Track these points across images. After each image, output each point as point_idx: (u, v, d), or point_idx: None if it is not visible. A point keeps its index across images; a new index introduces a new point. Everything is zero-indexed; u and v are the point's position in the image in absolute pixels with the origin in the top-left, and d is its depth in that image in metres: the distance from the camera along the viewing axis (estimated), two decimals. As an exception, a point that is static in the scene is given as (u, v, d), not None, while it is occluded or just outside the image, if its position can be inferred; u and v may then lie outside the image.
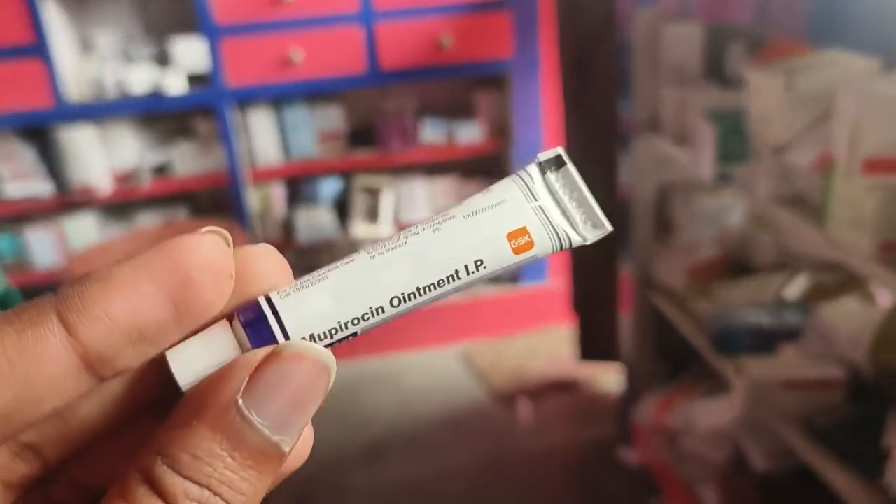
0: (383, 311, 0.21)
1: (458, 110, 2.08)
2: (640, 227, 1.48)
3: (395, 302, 0.21)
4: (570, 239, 0.23)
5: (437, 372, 2.01)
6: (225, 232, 0.20)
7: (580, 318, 1.78)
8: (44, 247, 1.91)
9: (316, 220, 2.03)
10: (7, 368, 0.17)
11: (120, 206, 1.99)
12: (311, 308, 0.20)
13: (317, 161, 2.01)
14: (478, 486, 1.62)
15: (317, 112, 2.00)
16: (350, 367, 2.04)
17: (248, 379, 0.18)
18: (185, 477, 0.17)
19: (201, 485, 0.17)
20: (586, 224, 0.23)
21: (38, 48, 1.71)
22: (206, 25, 1.76)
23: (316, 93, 1.97)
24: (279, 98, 1.95)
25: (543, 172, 0.23)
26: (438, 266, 0.22)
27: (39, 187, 1.87)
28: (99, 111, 1.83)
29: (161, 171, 1.94)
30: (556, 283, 2.10)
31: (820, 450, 1.01)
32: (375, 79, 1.88)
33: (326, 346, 0.21)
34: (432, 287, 0.22)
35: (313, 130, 2.00)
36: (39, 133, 1.87)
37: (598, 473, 1.62)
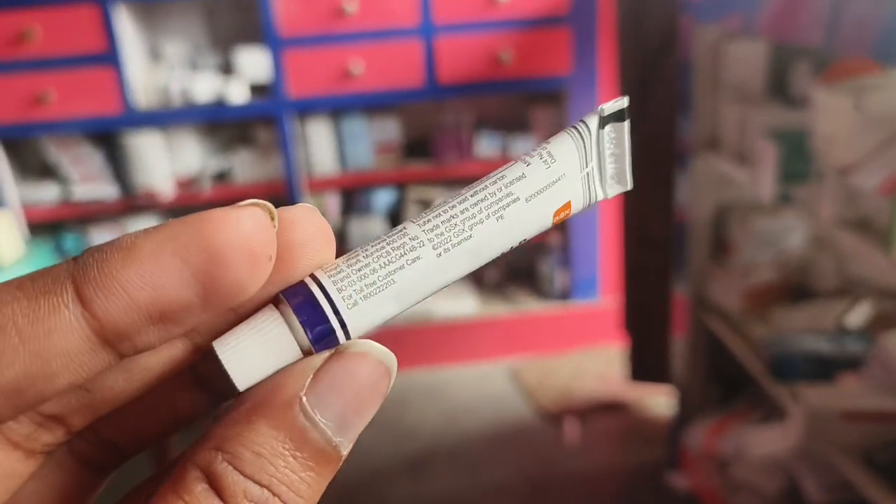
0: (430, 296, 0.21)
1: (514, 125, 2.08)
2: (696, 248, 1.45)
3: (443, 288, 0.21)
4: (597, 198, 0.22)
5: (484, 387, 2.00)
6: (269, 206, 0.18)
7: (632, 338, 1.75)
8: (107, 248, 1.97)
9: (369, 231, 2.05)
10: (16, 340, 0.16)
11: (181, 210, 2.04)
12: (375, 314, 0.19)
13: (372, 172, 2.03)
14: (521, 503, 1.60)
15: (374, 123, 2.02)
16: (397, 379, 2.04)
17: (312, 376, 0.17)
18: (246, 476, 0.17)
19: (262, 484, 0.17)
20: (612, 180, 0.23)
21: (109, 56, 1.78)
22: (270, 37, 1.81)
23: (374, 105, 1.99)
24: (338, 109, 1.98)
25: (602, 126, 0.22)
26: (492, 254, 0.21)
27: (106, 190, 1.93)
28: (164, 118, 1.89)
29: (221, 177, 1.99)
30: (608, 300, 2.08)
31: (879, 485, 0.97)
32: (433, 92, 1.89)
33: None
34: (476, 268, 0.21)
35: (370, 142, 2.02)
36: (107, 138, 1.94)
37: (644, 498, 1.59)
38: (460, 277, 0.21)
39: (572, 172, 0.21)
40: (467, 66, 1.89)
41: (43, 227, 1.98)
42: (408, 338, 2.07)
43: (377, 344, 0.18)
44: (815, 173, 1.07)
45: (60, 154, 1.92)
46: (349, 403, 0.18)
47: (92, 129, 1.90)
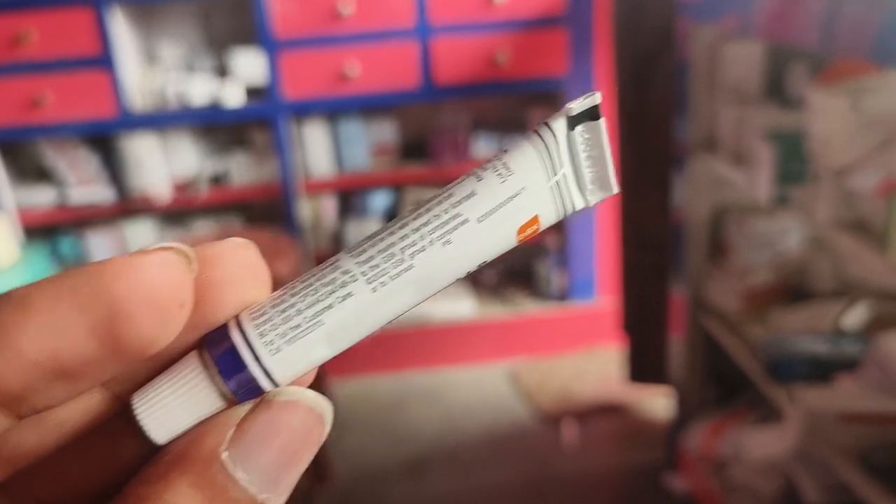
0: (376, 333, 0.19)
1: (511, 126, 2.07)
2: (693, 249, 1.45)
3: (389, 323, 0.19)
4: (574, 206, 0.20)
5: (483, 389, 2.00)
6: (184, 248, 0.17)
7: (630, 339, 1.75)
8: (104, 251, 1.97)
9: (366, 232, 2.05)
10: None
11: (178, 213, 2.04)
12: (304, 360, 0.17)
13: (369, 174, 2.03)
14: (520, 506, 1.60)
15: (371, 125, 2.02)
16: (395, 382, 2.05)
17: (234, 429, 0.16)
18: None
19: None
20: (593, 186, 0.20)
21: (105, 59, 1.77)
22: (265, 39, 1.80)
23: (371, 107, 1.99)
24: (334, 111, 1.98)
25: (571, 128, 0.20)
26: (443, 282, 0.19)
27: (102, 193, 1.93)
28: (160, 121, 1.88)
29: (218, 180, 1.98)
30: (605, 302, 2.07)
31: (877, 486, 0.97)
32: (430, 94, 1.89)
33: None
34: (429, 298, 0.19)
35: (367, 144, 2.02)
36: (103, 141, 1.93)
37: (643, 500, 1.59)
38: (410, 309, 0.19)
39: (536, 184, 0.19)
40: (464, 68, 1.88)
41: (39, 231, 1.97)
42: (406, 340, 2.07)
43: (308, 391, 0.17)
44: (811, 175, 1.07)
45: (56, 157, 1.91)
46: (277, 457, 0.16)
47: (88, 133, 1.90)
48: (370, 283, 0.18)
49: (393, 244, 0.18)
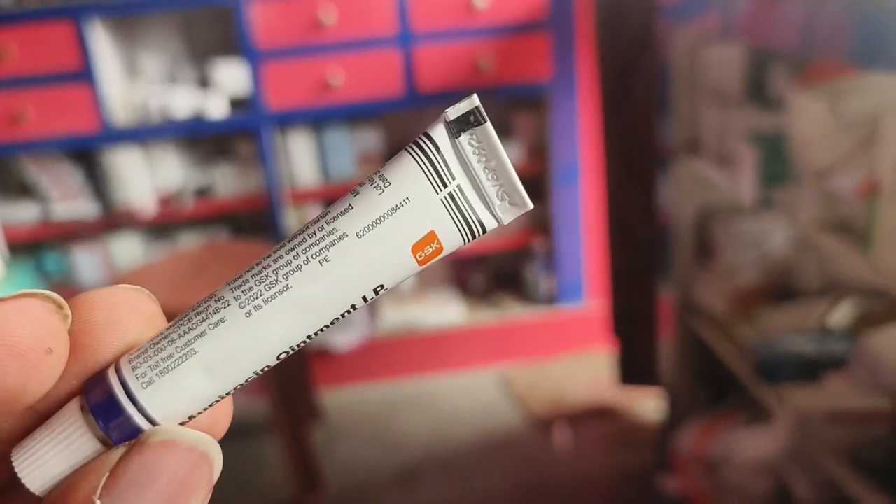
0: (269, 368, 0.17)
1: (496, 131, 2.07)
2: (680, 251, 1.46)
3: (283, 356, 0.17)
4: (483, 226, 0.18)
5: (473, 395, 2.00)
6: (51, 294, 0.16)
7: (620, 341, 1.75)
8: (90, 266, 1.96)
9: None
10: None
11: (163, 226, 2.03)
12: (181, 393, 0.17)
13: (355, 182, 2.03)
14: (513, 511, 1.60)
15: (355, 134, 2.02)
16: (385, 390, 2.04)
17: (107, 476, 0.15)
18: None
19: None
20: (503, 202, 0.19)
21: (86, 73, 1.76)
22: (247, 50, 1.80)
23: (355, 115, 1.99)
24: (318, 120, 1.97)
25: (455, 135, 0.19)
26: (330, 307, 0.17)
27: (86, 208, 1.92)
28: (143, 134, 1.88)
29: (203, 192, 1.97)
30: (594, 305, 2.08)
31: (867, 483, 0.97)
32: (413, 101, 1.89)
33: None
34: (324, 329, 0.18)
35: (352, 152, 2.02)
36: (86, 155, 1.92)
37: (635, 502, 1.59)
38: (301, 340, 0.17)
39: (422, 196, 0.18)
40: (447, 74, 1.88)
41: (23, 247, 1.96)
42: (395, 348, 2.07)
43: (187, 430, 0.16)
44: (794, 176, 1.07)
45: (39, 173, 1.90)
46: (155, 502, 0.15)
47: (70, 147, 1.88)
48: (243, 307, 0.17)
49: (267, 266, 0.17)
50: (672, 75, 1.37)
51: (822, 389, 1.11)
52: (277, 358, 0.17)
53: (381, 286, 0.18)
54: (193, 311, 0.17)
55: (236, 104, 1.89)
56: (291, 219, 2.02)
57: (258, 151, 1.91)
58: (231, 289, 0.17)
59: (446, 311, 2.10)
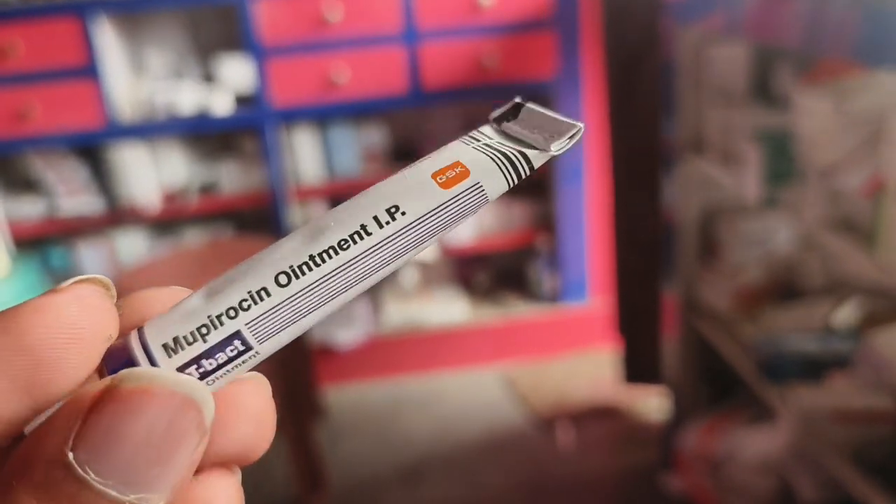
0: (268, 295, 0.16)
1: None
2: (684, 250, 1.46)
3: (283, 279, 0.16)
4: (525, 157, 0.18)
5: (477, 393, 2.00)
6: (100, 279, 0.16)
7: (624, 340, 1.75)
8: (95, 262, 1.96)
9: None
10: None
11: (168, 222, 2.03)
12: (176, 311, 0.16)
13: (359, 180, 2.03)
14: (516, 509, 1.60)
15: (360, 131, 2.02)
16: (389, 388, 2.04)
17: (79, 424, 0.13)
18: None
19: None
20: (550, 139, 0.19)
21: (91, 70, 1.77)
22: (252, 47, 1.80)
23: (359, 112, 1.99)
24: (323, 117, 1.97)
25: (499, 125, 0.19)
26: (338, 225, 0.17)
27: (91, 204, 1.92)
28: (148, 131, 1.88)
29: (207, 188, 1.98)
30: (598, 303, 2.08)
31: (870, 483, 0.97)
32: (418, 99, 1.89)
33: (215, 373, 0.16)
34: (331, 252, 0.16)
35: (356, 149, 2.02)
36: (92, 151, 1.92)
37: (638, 500, 1.59)
38: (313, 262, 0.17)
39: (454, 148, 0.18)
40: (452, 72, 1.88)
41: (29, 242, 1.96)
42: (399, 346, 2.07)
43: (164, 372, 0.15)
44: (799, 174, 1.07)
45: (45, 169, 1.90)
46: (136, 454, 0.14)
47: (76, 143, 1.89)
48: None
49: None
50: (677, 74, 1.37)
51: (826, 388, 1.11)
52: (277, 281, 0.16)
53: (395, 206, 0.17)
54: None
55: (241, 101, 1.89)
56: (296, 216, 2.02)
57: (263, 148, 1.91)
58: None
59: (450, 310, 2.10)
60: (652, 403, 1.80)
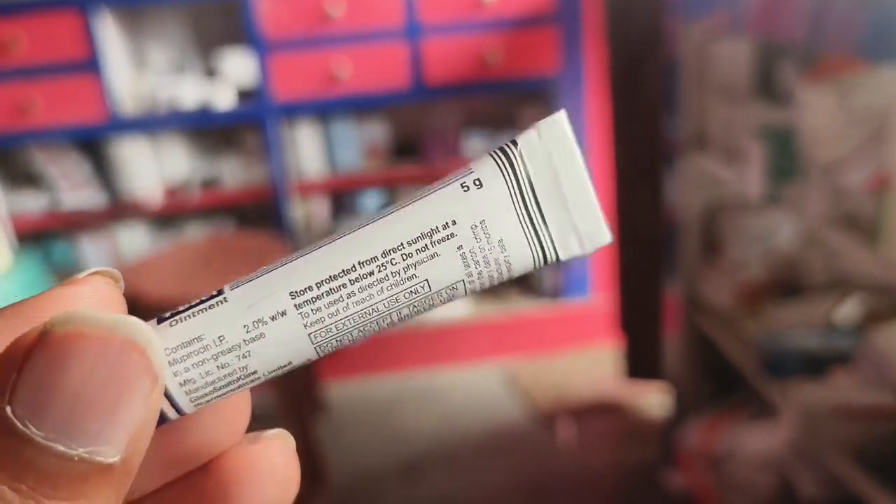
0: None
1: (502, 124, 2.07)
2: (686, 246, 1.45)
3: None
4: (557, 253, 0.18)
5: (478, 389, 2.00)
6: (110, 271, 0.16)
7: (626, 336, 1.75)
8: (97, 256, 1.96)
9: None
10: None
11: (170, 217, 2.03)
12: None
13: (361, 174, 2.03)
14: (516, 505, 1.60)
15: (362, 126, 2.02)
16: (390, 382, 2.04)
17: (14, 377, 0.12)
18: None
19: None
20: (580, 238, 0.19)
21: (93, 64, 1.76)
22: (255, 41, 1.80)
23: (361, 107, 1.99)
24: (325, 112, 1.97)
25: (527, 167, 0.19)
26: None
27: (93, 198, 1.92)
28: (150, 125, 1.88)
29: (209, 183, 1.98)
30: (600, 299, 2.08)
31: (872, 480, 0.97)
32: (420, 94, 1.89)
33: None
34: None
35: (358, 144, 2.02)
36: (94, 145, 1.92)
37: (640, 497, 1.59)
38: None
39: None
40: (454, 67, 1.88)
41: (30, 236, 1.97)
42: (400, 341, 2.07)
43: (98, 313, 0.13)
44: (802, 171, 1.07)
45: (46, 163, 1.90)
46: (77, 404, 0.13)
47: (78, 138, 1.89)
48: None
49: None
50: (680, 71, 1.36)
51: (827, 385, 1.11)
52: (291, 298, 0.16)
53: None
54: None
55: (243, 95, 1.89)
56: (297, 210, 2.02)
57: (264, 143, 1.91)
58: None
59: (452, 305, 2.10)
60: (653, 400, 1.80)
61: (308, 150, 1.99)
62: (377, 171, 2.04)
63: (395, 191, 2.09)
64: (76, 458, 0.12)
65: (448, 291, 0.17)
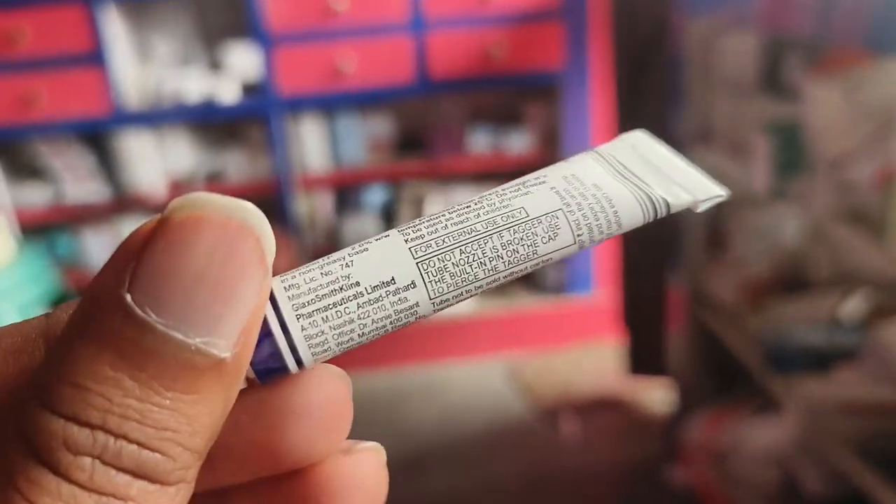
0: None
1: (506, 119, 2.07)
2: (691, 242, 1.45)
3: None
4: (668, 206, 0.19)
5: (481, 384, 2.00)
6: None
7: (629, 332, 1.75)
8: (100, 249, 1.97)
9: (362, 228, 2.05)
10: None
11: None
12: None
13: (365, 169, 2.03)
14: (519, 501, 1.60)
15: (366, 120, 2.01)
16: (393, 377, 2.05)
17: (134, 264, 0.12)
18: (66, 418, 0.12)
19: (92, 425, 0.12)
20: (697, 197, 0.19)
21: (98, 57, 1.76)
22: (260, 35, 1.80)
23: (366, 102, 1.98)
24: (330, 106, 1.97)
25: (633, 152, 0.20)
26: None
27: (97, 191, 1.92)
28: (155, 118, 1.88)
29: (214, 177, 1.98)
30: (603, 295, 2.07)
31: (876, 475, 0.97)
32: (425, 88, 1.88)
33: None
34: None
35: (363, 139, 2.02)
36: (98, 138, 1.92)
37: (642, 493, 1.59)
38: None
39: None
40: (459, 62, 1.88)
41: (35, 229, 1.97)
42: (403, 336, 2.07)
43: (217, 196, 0.13)
44: (808, 165, 1.07)
45: (51, 156, 1.90)
46: (196, 289, 0.12)
47: (82, 131, 1.89)
48: (434, 309, 0.17)
49: (470, 291, 0.17)
50: (686, 65, 1.36)
51: (832, 381, 1.11)
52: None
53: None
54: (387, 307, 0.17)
55: (248, 89, 1.89)
56: (301, 205, 2.02)
57: (269, 137, 1.91)
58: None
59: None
60: (656, 395, 1.80)
61: (312, 144, 1.99)
62: (381, 165, 2.04)
63: (399, 185, 2.08)
64: (193, 348, 0.12)
65: (549, 223, 0.17)
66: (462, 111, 2.05)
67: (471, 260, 0.16)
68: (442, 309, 0.17)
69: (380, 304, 0.16)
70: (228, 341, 0.13)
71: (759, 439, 1.27)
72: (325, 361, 0.17)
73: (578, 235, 0.17)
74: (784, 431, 1.18)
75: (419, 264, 0.16)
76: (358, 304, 0.16)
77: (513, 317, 2.08)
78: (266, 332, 0.15)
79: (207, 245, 0.13)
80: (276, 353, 0.15)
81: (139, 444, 0.12)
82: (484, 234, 0.16)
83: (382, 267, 0.16)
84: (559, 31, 1.88)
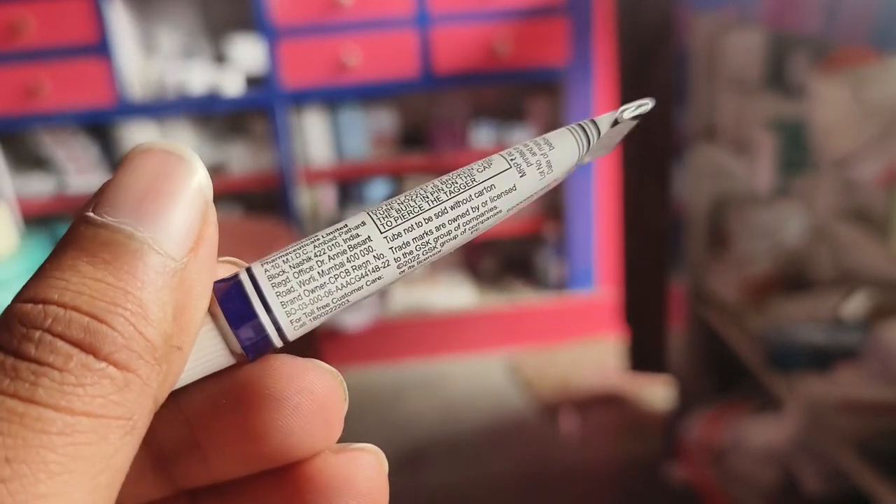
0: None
1: (510, 114, 2.07)
2: (693, 239, 1.45)
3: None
4: (594, 122, 0.20)
5: (481, 379, 2.00)
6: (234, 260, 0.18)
7: (630, 329, 1.75)
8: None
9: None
10: None
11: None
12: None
13: (368, 163, 2.03)
14: (518, 496, 1.60)
15: (370, 114, 2.01)
16: (393, 371, 2.05)
17: (98, 193, 0.15)
18: (25, 300, 0.13)
19: (46, 301, 0.13)
20: (599, 151, 0.21)
21: (102, 47, 1.76)
22: (264, 27, 1.79)
23: (370, 95, 1.98)
24: (333, 100, 1.97)
25: (612, 125, 0.21)
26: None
27: (101, 181, 1.92)
28: (159, 110, 1.88)
29: (217, 169, 1.98)
30: (604, 291, 2.07)
31: (876, 474, 0.97)
32: (429, 83, 1.88)
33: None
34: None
35: (366, 132, 2.02)
36: (102, 129, 1.92)
37: (641, 490, 1.59)
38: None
39: (561, 176, 0.20)
40: (463, 57, 1.88)
41: (38, 219, 1.97)
42: (404, 330, 2.07)
43: (163, 141, 0.16)
44: (812, 164, 1.06)
45: (55, 146, 1.90)
46: (141, 195, 0.15)
47: (86, 121, 1.89)
48: (400, 268, 0.18)
49: (428, 233, 0.18)
50: (691, 62, 1.35)
51: (833, 379, 1.11)
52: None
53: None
54: (348, 260, 0.17)
55: (252, 82, 1.89)
56: (304, 198, 2.02)
57: (273, 130, 1.91)
58: (391, 248, 0.18)
59: (456, 295, 2.10)
60: (656, 392, 1.80)
61: (316, 138, 1.99)
62: (384, 159, 2.04)
63: (401, 180, 2.08)
64: (140, 237, 0.15)
65: (485, 160, 0.19)
66: (466, 106, 2.04)
67: (414, 196, 0.18)
68: (399, 249, 0.17)
69: (334, 241, 0.17)
70: (174, 243, 0.15)
71: (759, 437, 1.27)
72: (312, 328, 0.18)
73: (512, 159, 0.19)
74: (784, 430, 1.18)
75: (370, 213, 0.18)
76: (314, 245, 0.17)
77: (514, 312, 2.09)
78: (242, 299, 0.16)
79: (153, 166, 0.16)
80: (249, 310, 0.16)
81: (91, 315, 0.13)
82: (428, 184, 0.18)
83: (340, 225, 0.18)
84: (563, 26, 1.88)
